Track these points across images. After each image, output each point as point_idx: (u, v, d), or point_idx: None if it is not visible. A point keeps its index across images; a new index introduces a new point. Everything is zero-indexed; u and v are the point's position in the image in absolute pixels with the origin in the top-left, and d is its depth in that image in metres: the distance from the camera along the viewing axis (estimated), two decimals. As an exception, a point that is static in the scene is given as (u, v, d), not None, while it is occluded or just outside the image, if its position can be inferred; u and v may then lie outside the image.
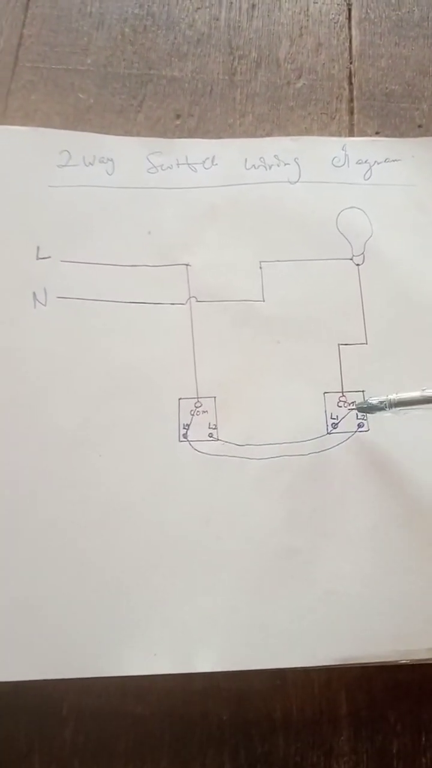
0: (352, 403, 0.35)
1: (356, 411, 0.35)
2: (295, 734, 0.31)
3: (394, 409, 0.32)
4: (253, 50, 0.44)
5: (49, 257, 0.37)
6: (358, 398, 0.35)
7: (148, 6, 0.44)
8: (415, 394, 0.32)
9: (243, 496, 0.33)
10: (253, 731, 0.31)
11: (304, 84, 0.43)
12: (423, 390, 0.32)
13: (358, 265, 0.38)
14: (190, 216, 0.38)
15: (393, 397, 0.32)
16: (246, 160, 0.40)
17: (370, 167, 0.40)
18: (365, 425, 0.35)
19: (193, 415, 0.34)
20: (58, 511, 0.32)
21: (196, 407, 0.35)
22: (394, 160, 0.40)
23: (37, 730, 0.30)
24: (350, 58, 0.44)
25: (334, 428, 0.34)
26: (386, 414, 0.33)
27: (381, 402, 0.33)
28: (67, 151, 0.39)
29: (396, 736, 0.31)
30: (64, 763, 0.30)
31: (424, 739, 0.31)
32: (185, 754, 0.30)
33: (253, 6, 0.45)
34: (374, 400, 0.33)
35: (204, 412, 0.34)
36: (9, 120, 0.41)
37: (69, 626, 0.31)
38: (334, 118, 0.42)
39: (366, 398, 0.34)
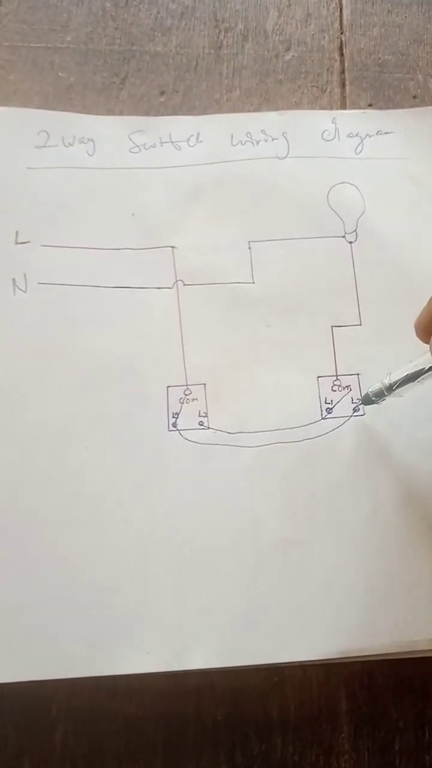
0: (347, 387, 0.34)
1: (362, 406, 0.33)
2: (294, 733, 0.30)
3: (395, 392, 0.31)
4: (239, 22, 0.42)
5: (29, 242, 0.36)
6: (353, 382, 0.34)
7: (129, -21, 0.43)
8: (407, 368, 0.30)
9: (236, 486, 0.32)
10: (250, 731, 0.30)
11: (294, 56, 0.42)
12: (411, 362, 0.30)
13: (350, 242, 0.36)
14: (175, 196, 0.37)
15: (386, 381, 0.31)
16: (232, 136, 0.38)
17: (362, 140, 0.39)
18: (361, 409, 0.34)
19: (182, 403, 0.34)
20: (45, 506, 0.32)
21: (186, 395, 0.34)
22: (386, 133, 0.39)
23: (27, 733, 0.30)
24: (341, 28, 0.43)
25: (329, 413, 0.34)
26: (391, 399, 0.31)
27: (377, 390, 0.31)
28: (46, 132, 0.38)
29: (398, 733, 0.30)
30: (55, 765, 0.29)
31: (427, 735, 0.30)
32: (179, 755, 0.30)
33: (239, -24, 0.43)
34: (372, 390, 0.32)
35: (194, 399, 0.34)
36: (-14, 101, 0.39)
37: (58, 625, 0.30)
38: (325, 91, 0.41)
39: (367, 391, 0.33)
